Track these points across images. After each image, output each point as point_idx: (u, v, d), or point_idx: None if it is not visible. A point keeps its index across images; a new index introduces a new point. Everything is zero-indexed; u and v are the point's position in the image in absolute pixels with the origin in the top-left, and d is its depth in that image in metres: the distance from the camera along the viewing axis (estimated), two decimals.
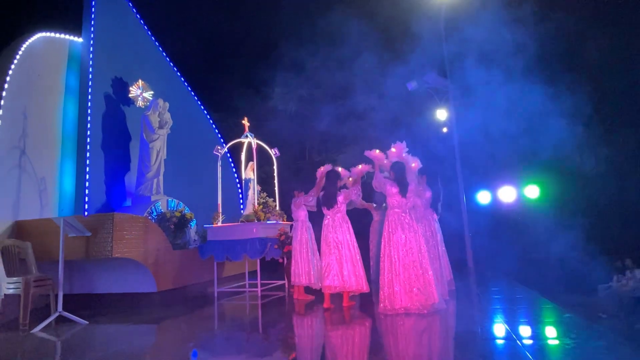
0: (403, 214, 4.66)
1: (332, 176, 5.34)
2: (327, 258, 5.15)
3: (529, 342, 3.37)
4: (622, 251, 9.15)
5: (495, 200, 11.42)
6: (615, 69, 11.21)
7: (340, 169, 5.65)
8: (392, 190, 4.69)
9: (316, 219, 5.98)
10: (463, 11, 10.37)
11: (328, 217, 5.28)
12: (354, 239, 5.25)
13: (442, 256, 5.35)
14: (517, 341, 3.34)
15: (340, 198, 5.24)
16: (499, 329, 3.93)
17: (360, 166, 5.63)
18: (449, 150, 10.55)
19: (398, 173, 4.75)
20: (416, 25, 10.39)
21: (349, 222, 5.33)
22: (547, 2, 10.74)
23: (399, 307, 4.42)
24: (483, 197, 11.80)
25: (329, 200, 5.25)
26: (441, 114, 10.95)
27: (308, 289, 6.07)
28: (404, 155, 4.91)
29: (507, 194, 11.02)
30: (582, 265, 9.60)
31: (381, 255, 4.66)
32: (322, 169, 5.58)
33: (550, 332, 3.74)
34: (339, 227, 5.17)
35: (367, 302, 5.54)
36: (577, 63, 10.68)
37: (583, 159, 10.50)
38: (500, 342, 3.52)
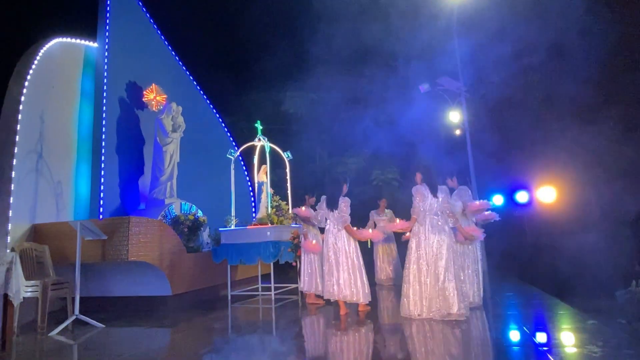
0: (435, 217, 4.54)
1: (339, 179, 5.28)
2: (326, 264, 5.08)
3: (555, 349, 3.29)
4: None
5: (508, 203, 11.27)
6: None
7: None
8: (425, 193, 4.58)
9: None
10: (475, 12, 10.30)
11: (329, 221, 5.18)
12: (355, 248, 5.06)
13: (474, 263, 5.11)
14: (544, 349, 3.26)
15: (342, 204, 5.04)
16: (523, 336, 3.84)
17: (370, 230, 5.43)
18: (462, 152, 10.46)
19: (425, 174, 4.65)
20: (429, 27, 10.34)
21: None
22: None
23: (421, 313, 4.35)
24: (497, 200, 11.65)
25: (331, 203, 5.14)
26: (454, 117, 10.85)
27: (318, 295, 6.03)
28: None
29: (521, 196, 10.86)
30: (600, 269, 9.41)
31: (407, 260, 4.57)
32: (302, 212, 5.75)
33: (576, 339, 3.65)
34: (339, 233, 5.05)
35: (384, 306, 5.49)
36: (597, 62, 10.50)
37: (602, 161, 10.32)
38: (526, 349, 3.45)
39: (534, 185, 10.54)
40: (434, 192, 4.58)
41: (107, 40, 7.93)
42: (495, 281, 7.87)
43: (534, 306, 5.29)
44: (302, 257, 6.01)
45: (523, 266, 9.71)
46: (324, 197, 5.29)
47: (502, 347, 3.58)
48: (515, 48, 10.98)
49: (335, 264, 4.98)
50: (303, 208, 5.95)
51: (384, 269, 7.79)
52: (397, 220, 4.95)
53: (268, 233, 6.53)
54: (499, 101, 11.33)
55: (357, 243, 5.13)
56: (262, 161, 7.64)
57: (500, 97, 11.28)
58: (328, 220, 5.17)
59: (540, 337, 3.70)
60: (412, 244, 4.59)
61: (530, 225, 11.24)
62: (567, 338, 3.74)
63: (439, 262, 4.41)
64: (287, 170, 8.02)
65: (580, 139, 10.13)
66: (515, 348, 3.53)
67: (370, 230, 5.27)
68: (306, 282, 5.88)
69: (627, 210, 9.86)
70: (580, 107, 10.80)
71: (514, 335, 3.92)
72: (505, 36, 10.41)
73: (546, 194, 10.18)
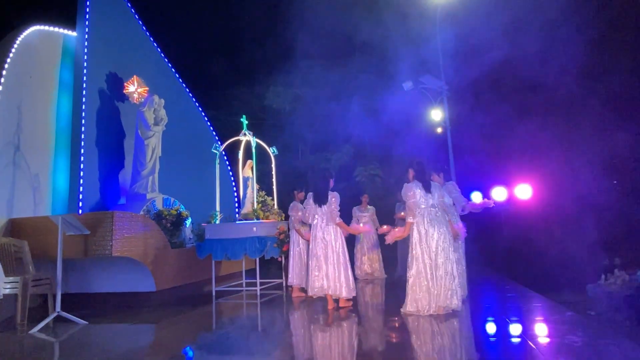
0: (432, 209, 4.49)
1: (326, 174, 5.26)
2: (312, 259, 5.08)
3: (538, 340, 3.45)
4: (611, 250, 9.38)
5: (487, 200, 11.57)
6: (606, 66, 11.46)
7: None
8: (417, 190, 4.52)
9: None
10: (458, 11, 10.49)
11: (317, 215, 5.16)
12: (342, 242, 5.09)
13: (463, 257, 5.25)
14: (526, 339, 3.40)
15: (332, 199, 5.06)
16: (505, 327, 3.99)
17: (361, 224, 5.49)
18: (443, 150, 10.68)
19: (418, 171, 4.61)
20: (412, 26, 10.47)
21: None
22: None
23: (421, 308, 4.36)
24: (475, 197, 11.94)
25: (319, 198, 5.13)
26: (436, 115, 11.05)
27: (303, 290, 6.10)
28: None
29: (498, 193, 11.18)
30: (572, 264, 9.82)
31: (410, 256, 4.52)
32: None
33: (556, 330, 3.82)
34: (327, 228, 5.06)
35: (379, 301, 5.58)
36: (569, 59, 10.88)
37: (574, 159, 10.73)
38: (508, 340, 3.59)
39: (511, 183, 10.86)
40: (428, 189, 4.55)
41: (86, 30, 7.68)
42: (474, 275, 8.09)
43: (513, 299, 5.49)
44: (292, 251, 6.04)
45: (500, 261, 10.01)
46: (310, 194, 5.28)
47: (486, 338, 3.72)
48: (494, 46, 11.26)
49: (324, 259, 4.99)
50: (299, 213, 5.90)
51: (365, 262, 7.87)
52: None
53: (254, 228, 6.52)
54: (477, 99, 11.60)
55: (343, 238, 5.15)
56: (247, 156, 7.60)
57: (479, 95, 11.56)
58: (316, 216, 5.15)
59: (522, 329, 3.85)
60: (414, 240, 4.51)
61: (508, 222, 11.59)
62: (548, 329, 3.91)
63: (442, 256, 4.40)
64: (273, 165, 8.00)
65: (556, 137, 10.50)
66: (496, 339, 3.67)
67: (361, 225, 5.31)
68: (296, 275, 5.93)
69: (599, 207, 10.31)
70: (556, 106, 11.19)
71: (498, 327, 4.07)
72: (484, 33, 10.64)
73: (523, 191, 10.52)
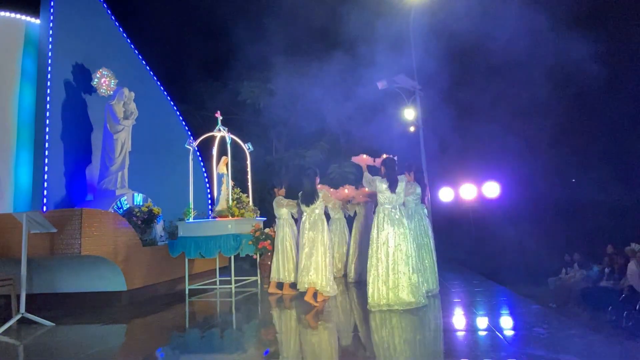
0: (393, 210, 4.71)
1: (311, 174, 5.37)
2: (301, 255, 5.22)
3: (505, 332, 3.60)
4: (571, 246, 9.89)
5: (456, 198, 11.94)
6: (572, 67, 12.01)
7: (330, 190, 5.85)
8: (382, 186, 4.72)
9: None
10: (432, 12, 10.70)
11: (305, 214, 5.34)
12: (328, 239, 5.30)
13: (429, 253, 5.43)
14: (496, 332, 3.55)
15: (326, 193, 5.34)
16: (475, 321, 4.14)
17: (346, 190, 5.71)
18: (415, 148, 10.90)
19: (389, 169, 4.77)
20: (386, 25, 10.59)
21: (325, 221, 5.40)
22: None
23: (384, 303, 4.51)
24: (445, 195, 12.30)
25: (307, 198, 5.29)
26: (409, 114, 11.26)
27: (293, 285, 6.08)
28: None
29: (468, 191, 11.55)
30: (535, 258, 10.30)
31: (369, 252, 4.71)
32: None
33: (523, 322, 4.00)
34: (314, 225, 5.23)
35: (350, 297, 5.64)
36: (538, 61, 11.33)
37: (538, 158, 11.22)
38: (478, 333, 3.73)
39: (480, 181, 11.25)
40: (393, 188, 4.70)
41: (51, 17, 7.32)
42: (444, 270, 8.33)
43: (481, 293, 5.69)
44: (277, 247, 6.04)
45: (469, 255, 10.36)
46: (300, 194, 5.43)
47: (455, 332, 3.84)
48: (465, 47, 11.57)
49: (309, 255, 5.12)
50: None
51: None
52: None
53: (229, 226, 6.45)
54: (450, 100, 11.91)
55: (330, 236, 5.35)
56: (221, 152, 7.48)
57: (451, 96, 11.86)
58: (304, 213, 5.28)
59: (490, 321, 4.01)
60: (373, 235, 4.73)
61: (476, 218, 12.00)
62: (515, 321, 4.09)
63: (399, 252, 4.59)
64: (248, 162, 7.92)
65: (523, 138, 10.93)
66: (466, 332, 3.81)
67: (346, 191, 5.59)
68: (280, 271, 5.94)
69: (561, 205, 10.85)
70: (522, 108, 11.64)
71: (466, 321, 4.22)
72: (457, 35, 10.92)
73: (491, 189, 10.93)
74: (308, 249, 5.16)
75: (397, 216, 4.70)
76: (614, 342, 3.34)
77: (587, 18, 11.48)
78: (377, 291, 4.54)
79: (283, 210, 6.07)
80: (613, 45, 11.25)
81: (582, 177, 12.08)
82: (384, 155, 4.98)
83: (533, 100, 12.11)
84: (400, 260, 4.56)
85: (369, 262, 4.72)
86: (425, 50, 10.58)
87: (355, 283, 6.64)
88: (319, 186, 5.48)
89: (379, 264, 4.60)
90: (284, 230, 6.05)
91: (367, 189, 5.10)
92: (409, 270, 4.55)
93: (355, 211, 7.32)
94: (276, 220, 6.23)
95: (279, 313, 5.07)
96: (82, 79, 7.91)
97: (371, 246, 4.73)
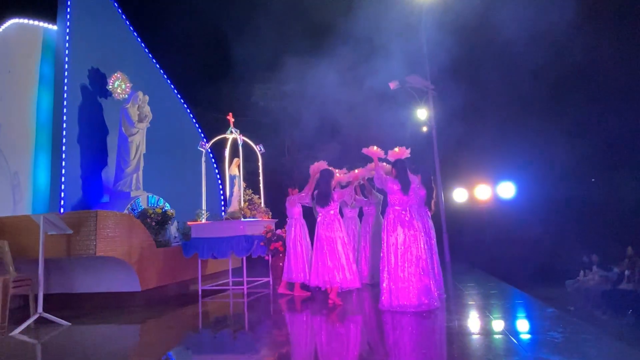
0: (403, 212, 4.69)
1: (326, 175, 5.42)
2: (318, 255, 5.24)
3: (520, 336, 3.53)
4: (589, 248, 9.66)
5: (470, 198, 11.78)
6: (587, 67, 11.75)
7: (337, 171, 5.80)
8: (394, 187, 4.71)
9: (309, 215, 6.08)
10: (444, 11, 10.60)
11: (321, 214, 5.41)
12: (346, 236, 5.42)
13: (434, 254, 5.44)
14: (510, 336, 3.49)
15: (334, 197, 5.36)
16: (487, 324, 4.08)
17: (357, 170, 5.76)
18: (428, 148, 10.80)
19: (400, 170, 4.77)
20: (399, 25, 10.53)
21: (341, 219, 5.45)
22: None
23: (396, 305, 4.48)
24: (459, 195, 12.14)
25: (323, 199, 5.35)
26: (421, 114, 11.16)
27: (304, 286, 6.09)
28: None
29: (482, 192, 11.39)
30: (552, 260, 10.09)
31: (381, 254, 4.70)
32: (316, 165, 5.64)
33: (538, 326, 3.92)
34: (331, 225, 5.31)
35: (361, 298, 5.62)
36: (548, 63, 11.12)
37: (555, 157, 10.98)
38: (491, 337, 3.67)
39: (495, 181, 11.08)
40: (406, 190, 4.70)
41: (68, 23, 7.48)
42: (458, 272, 8.23)
43: (495, 296, 5.60)
44: (288, 250, 6.04)
45: (483, 257, 10.20)
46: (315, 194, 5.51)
47: (468, 335, 3.79)
48: (479, 46, 11.42)
49: (330, 254, 5.21)
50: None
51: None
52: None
53: (241, 227, 6.49)
54: (463, 99, 11.76)
55: (346, 233, 5.49)
56: (233, 154, 7.54)
57: (464, 95, 11.71)
58: (320, 215, 5.37)
59: (504, 325, 3.94)
60: (384, 236, 4.71)
61: (491, 219, 11.82)
62: (530, 325, 4.01)
63: (408, 254, 4.56)
64: (260, 163, 7.96)
65: (539, 136, 10.72)
66: (479, 336, 3.75)
67: (356, 171, 5.71)
68: (293, 271, 5.95)
69: (579, 205, 10.60)
70: (539, 105, 11.41)
71: (479, 324, 4.16)
72: (469, 34, 10.79)
73: (506, 189, 10.74)
74: (328, 249, 5.23)
75: (407, 218, 4.69)
76: (634, 347, 3.24)
77: (610, 17, 11.23)
78: (389, 292, 4.52)
79: (295, 209, 6.09)
80: (635, 44, 10.97)
81: (602, 177, 11.80)
82: (396, 149, 4.97)
83: (550, 98, 11.89)
84: (410, 262, 4.53)
85: (381, 263, 4.71)
86: (437, 48, 10.48)
87: (368, 285, 6.60)
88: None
89: (389, 266, 4.58)
90: (295, 230, 6.05)
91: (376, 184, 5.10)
92: (419, 272, 4.51)
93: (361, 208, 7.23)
94: (287, 220, 6.22)
95: (290, 314, 5.08)
96: (97, 83, 8.07)
97: (382, 247, 4.73)
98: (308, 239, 6.10)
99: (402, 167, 4.78)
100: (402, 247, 4.57)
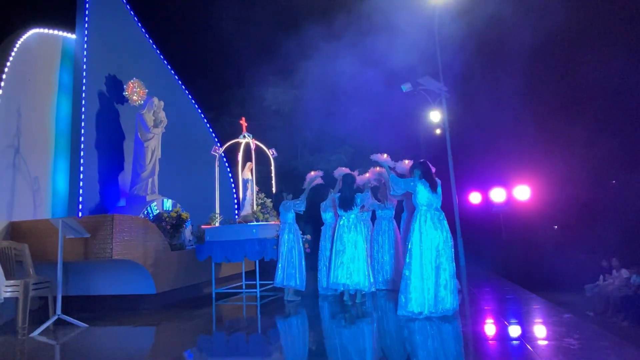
0: (435, 212, 4.56)
1: (349, 180, 5.58)
2: (340, 257, 5.34)
3: (536, 343, 3.47)
4: (609, 251, 9.42)
5: (486, 201, 11.63)
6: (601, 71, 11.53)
7: (356, 173, 5.91)
8: (421, 186, 4.57)
9: (299, 222, 6.31)
10: (457, 12, 10.52)
11: (343, 217, 5.51)
12: (367, 239, 5.59)
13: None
14: (525, 343, 3.43)
15: (357, 201, 5.48)
16: (502, 329, 4.02)
17: (367, 174, 5.83)
18: (442, 151, 10.71)
19: (425, 172, 4.66)
20: (411, 27, 10.49)
21: (362, 222, 5.61)
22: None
23: (426, 311, 4.36)
24: (474, 198, 12.00)
25: (346, 203, 5.47)
26: (435, 116, 11.09)
27: (296, 292, 6.12)
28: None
29: (497, 195, 11.23)
30: (571, 265, 9.87)
31: (408, 256, 4.52)
32: (312, 175, 5.83)
33: (554, 332, 3.84)
34: (353, 228, 5.42)
35: (376, 303, 5.59)
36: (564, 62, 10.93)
37: (572, 159, 10.77)
38: (505, 343, 3.61)
39: (510, 184, 10.91)
40: (434, 188, 4.61)
41: (86, 32, 7.69)
42: (473, 276, 8.13)
43: (511, 300, 5.51)
44: (279, 255, 6.09)
45: (499, 262, 10.06)
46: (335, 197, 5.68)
47: (483, 340, 3.74)
48: (494, 48, 11.29)
49: (352, 256, 5.32)
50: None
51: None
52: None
53: (254, 230, 6.54)
54: (477, 102, 11.65)
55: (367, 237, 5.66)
56: (246, 158, 7.61)
57: (478, 97, 11.60)
58: (343, 217, 5.48)
59: (519, 331, 3.88)
60: (414, 239, 4.51)
61: (506, 223, 11.64)
62: (545, 331, 3.94)
63: (441, 258, 4.43)
64: (272, 167, 8.02)
65: (555, 138, 10.53)
66: (495, 341, 3.70)
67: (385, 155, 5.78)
68: (285, 277, 6.01)
69: (597, 208, 10.35)
70: (555, 107, 11.22)
71: (494, 329, 4.10)
72: (484, 36, 10.68)
73: (522, 192, 10.57)
74: (349, 252, 5.31)
75: (440, 217, 4.54)
76: None
77: (628, 18, 11.00)
78: (407, 297, 4.41)
79: (289, 214, 6.12)
80: None
81: (622, 179, 11.51)
82: (405, 162, 4.94)
83: (567, 99, 11.67)
84: (440, 266, 4.40)
85: (407, 267, 4.49)
86: (451, 50, 10.42)
87: (383, 290, 6.49)
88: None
89: (420, 269, 4.41)
90: (287, 235, 6.07)
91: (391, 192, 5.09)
92: (450, 276, 4.42)
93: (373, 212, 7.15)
94: (280, 224, 6.24)
95: (303, 318, 5.09)
96: (114, 89, 8.26)
97: (412, 250, 4.48)
98: (301, 244, 6.16)
99: (427, 168, 4.70)
100: (436, 252, 4.42)
